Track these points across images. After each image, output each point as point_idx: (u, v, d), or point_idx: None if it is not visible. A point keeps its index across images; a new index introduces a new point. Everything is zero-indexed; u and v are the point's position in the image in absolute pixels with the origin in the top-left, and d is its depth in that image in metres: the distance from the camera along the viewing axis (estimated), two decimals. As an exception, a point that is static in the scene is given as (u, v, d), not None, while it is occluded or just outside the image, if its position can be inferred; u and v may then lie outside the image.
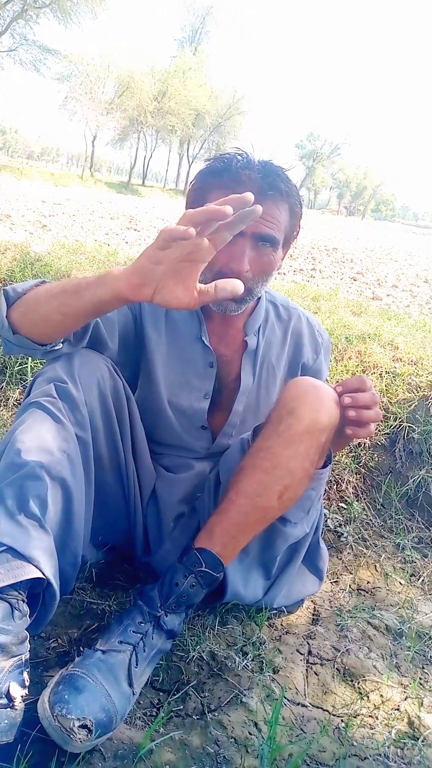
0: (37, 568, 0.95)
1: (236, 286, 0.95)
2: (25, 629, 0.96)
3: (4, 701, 0.89)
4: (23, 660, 0.94)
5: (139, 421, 1.34)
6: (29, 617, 0.97)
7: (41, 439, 1.06)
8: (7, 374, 2.41)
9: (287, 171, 1.22)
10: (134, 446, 1.33)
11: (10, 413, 2.26)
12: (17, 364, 2.40)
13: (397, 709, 1.21)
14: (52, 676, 1.12)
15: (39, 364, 2.33)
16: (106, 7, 26.53)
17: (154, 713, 1.10)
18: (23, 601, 0.96)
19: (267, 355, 1.42)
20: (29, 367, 2.39)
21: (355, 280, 8.26)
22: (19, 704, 0.90)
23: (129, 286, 0.95)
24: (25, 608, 0.96)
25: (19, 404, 1.39)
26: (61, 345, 1.15)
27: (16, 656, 0.93)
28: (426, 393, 2.24)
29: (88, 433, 1.16)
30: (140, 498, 1.36)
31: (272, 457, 1.13)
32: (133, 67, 39.61)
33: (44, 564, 0.96)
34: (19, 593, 0.95)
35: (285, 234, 1.23)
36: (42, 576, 0.96)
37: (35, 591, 1.00)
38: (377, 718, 1.18)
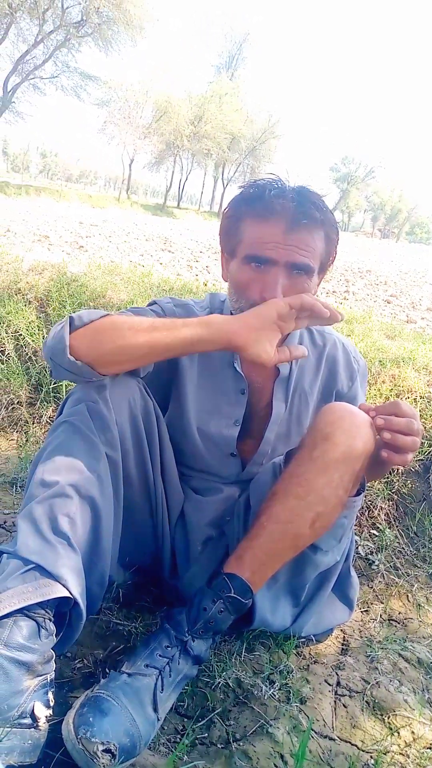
0: (64, 587, 0.95)
1: (305, 351, 1.14)
2: (51, 648, 0.96)
3: (28, 721, 0.88)
4: (48, 680, 0.94)
5: (168, 443, 1.34)
6: (55, 636, 0.97)
7: (71, 458, 1.07)
8: (42, 392, 2.44)
9: (323, 197, 1.20)
10: (163, 467, 1.33)
11: (43, 430, 2.29)
12: (52, 382, 2.44)
13: (430, 748, 1.17)
14: (77, 697, 1.12)
15: (72, 384, 2.36)
16: (145, 35, 27.21)
17: (177, 739, 1.08)
18: (50, 620, 0.96)
19: (300, 382, 1.39)
20: (63, 385, 2.42)
21: (388, 302, 8.19)
22: (43, 725, 0.90)
23: (243, 329, 1.08)
24: (52, 627, 0.96)
25: (53, 422, 1.40)
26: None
27: (41, 675, 0.93)
28: (461, 419, 2.19)
29: (118, 452, 1.17)
30: (168, 519, 1.36)
31: (305, 484, 1.12)
32: (170, 93, 40.37)
33: (72, 583, 0.96)
34: (46, 612, 0.95)
35: (321, 261, 1.21)
36: (69, 595, 0.96)
37: (62, 610, 1.00)
38: (408, 756, 1.14)
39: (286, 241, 1.13)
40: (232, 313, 1.28)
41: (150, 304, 1.36)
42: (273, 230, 1.13)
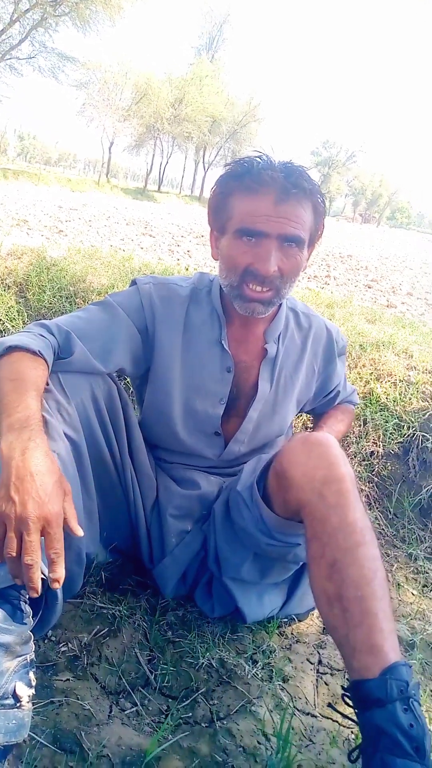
0: None
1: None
2: (30, 630, 0.96)
3: (11, 701, 0.89)
4: (29, 660, 0.94)
5: (136, 426, 1.34)
6: (33, 618, 0.97)
7: None
8: None
9: (308, 170, 1.20)
10: (131, 450, 1.33)
11: None
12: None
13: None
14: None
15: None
16: (125, 15, 26.74)
17: (162, 720, 1.09)
18: (25, 601, 0.96)
19: (285, 363, 1.40)
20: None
21: (369, 287, 8.23)
22: (26, 704, 0.90)
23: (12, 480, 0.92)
24: (28, 609, 0.96)
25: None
26: None
27: (21, 656, 0.93)
28: (440, 402, 2.22)
29: (80, 432, 1.16)
30: (142, 504, 1.36)
31: (346, 538, 1.01)
32: (150, 75, 39.82)
33: (44, 564, 0.96)
34: (21, 594, 0.95)
35: (310, 233, 1.21)
36: (42, 576, 0.95)
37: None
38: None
39: (277, 213, 1.13)
40: (221, 291, 1.32)
41: (131, 284, 1.36)
42: (263, 202, 1.13)
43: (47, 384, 1.13)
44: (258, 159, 1.18)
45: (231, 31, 53.06)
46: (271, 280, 1.18)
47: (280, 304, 1.38)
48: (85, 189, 30.33)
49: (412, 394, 2.25)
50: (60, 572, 0.90)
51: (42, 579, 0.95)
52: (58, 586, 0.90)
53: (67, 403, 1.14)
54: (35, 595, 0.89)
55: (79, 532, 0.97)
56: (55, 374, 1.16)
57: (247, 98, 47.49)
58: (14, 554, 0.87)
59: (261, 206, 1.14)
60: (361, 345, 2.59)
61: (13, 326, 2.59)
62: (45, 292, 2.80)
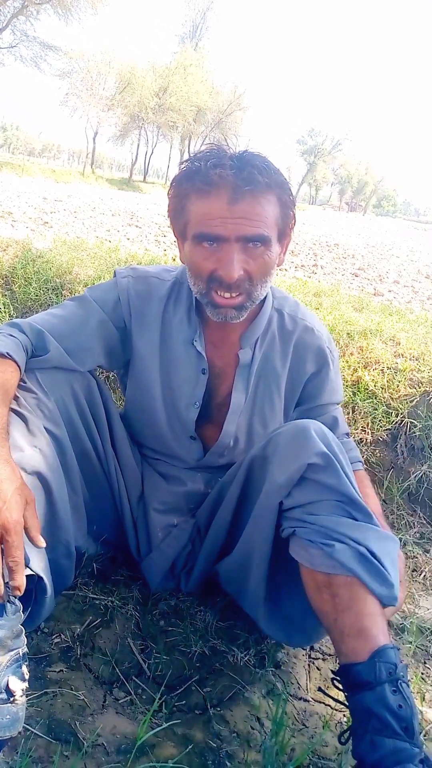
0: (25, 565, 0.94)
1: None
2: (21, 624, 0.96)
3: (4, 696, 0.89)
4: (21, 654, 0.94)
5: (117, 420, 1.33)
6: (24, 612, 0.97)
7: (10, 438, 1.02)
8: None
9: (267, 158, 1.10)
10: (114, 443, 1.32)
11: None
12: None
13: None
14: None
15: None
16: (107, 3, 26.43)
17: (156, 708, 1.10)
18: (14, 595, 0.96)
19: (263, 371, 1.31)
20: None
21: (356, 276, 8.25)
22: (20, 698, 0.90)
23: None
24: (18, 603, 0.96)
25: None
26: None
27: (13, 650, 0.93)
28: (427, 389, 2.23)
29: (62, 427, 1.15)
30: (128, 497, 1.36)
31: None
32: (134, 63, 39.50)
33: (32, 560, 0.95)
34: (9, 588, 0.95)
35: (277, 227, 1.13)
36: (31, 572, 0.95)
37: (28, 587, 1.00)
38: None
39: (232, 214, 1.05)
40: (195, 299, 1.25)
41: (115, 275, 1.33)
42: (216, 204, 1.06)
43: (24, 382, 1.12)
44: (210, 154, 1.09)
45: (215, 18, 52.70)
46: (238, 285, 1.11)
47: (263, 303, 1.29)
48: (70, 180, 30.09)
49: (399, 381, 2.26)
50: (19, 581, 0.88)
51: (30, 576, 0.95)
52: (19, 593, 0.89)
53: (46, 399, 1.12)
54: None
55: (41, 543, 0.95)
56: (32, 372, 1.14)
57: (231, 87, 47.29)
58: None
59: (214, 208, 1.06)
60: (348, 333, 2.60)
61: (-1, 319, 2.57)
62: (31, 285, 2.79)
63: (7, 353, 1.08)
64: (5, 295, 2.75)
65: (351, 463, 1.23)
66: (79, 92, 37.20)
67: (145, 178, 47.51)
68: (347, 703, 0.96)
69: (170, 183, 1.16)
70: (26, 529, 0.93)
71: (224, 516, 1.27)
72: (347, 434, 1.43)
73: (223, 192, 1.05)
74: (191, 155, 1.14)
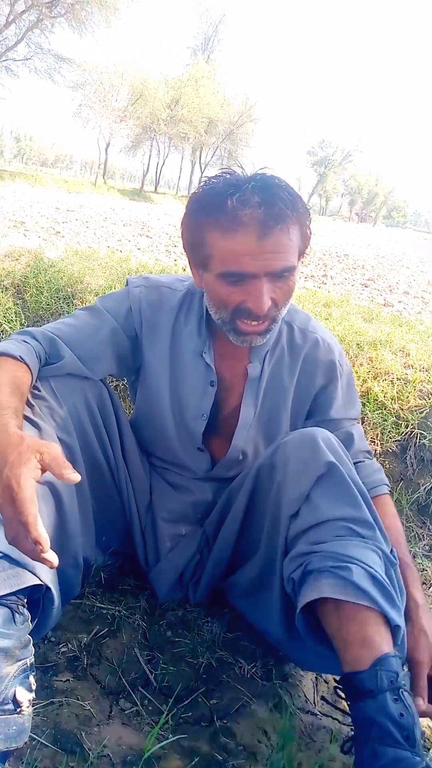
0: (33, 574, 0.94)
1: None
2: (29, 633, 0.96)
3: (10, 706, 0.88)
4: (28, 664, 0.94)
5: (128, 429, 1.33)
6: (31, 621, 0.97)
7: None
8: None
9: (287, 183, 1.08)
10: (124, 452, 1.32)
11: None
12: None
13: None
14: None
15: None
16: (120, 16, 26.74)
17: (163, 720, 1.10)
18: (23, 605, 0.96)
19: (271, 385, 1.30)
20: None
21: (366, 286, 8.23)
22: (26, 709, 0.90)
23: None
24: (26, 613, 0.96)
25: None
26: None
27: (20, 660, 0.93)
28: (438, 400, 2.22)
29: (74, 436, 1.15)
30: (136, 506, 1.35)
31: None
32: (146, 75, 39.86)
33: (40, 570, 0.95)
34: (19, 598, 0.95)
35: (299, 251, 1.11)
36: (40, 582, 0.95)
37: (35, 597, 1.00)
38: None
39: (261, 250, 1.02)
40: (206, 310, 1.23)
41: (126, 284, 1.33)
42: (244, 241, 1.02)
43: (38, 390, 1.12)
44: (230, 186, 1.03)
45: (227, 31, 53.11)
46: (266, 314, 1.10)
47: None
48: (82, 190, 30.33)
49: (409, 392, 2.25)
50: (35, 533, 0.83)
51: (38, 586, 0.95)
52: (45, 550, 0.84)
53: (59, 407, 1.13)
54: (51, 566, 0.85)
55: (75, 477, 0.88)
56: (46, 380, 1.15)
57: (243, 98, 47.56)
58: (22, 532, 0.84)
59: (243, 246, 1.03)
60: (358, 344, 2.60)
61: (11, 327, 2.59)
62: (42, 294, 2.81)
63: (20, 356, 1.09)
64: (17, 303, 2.77)
65: (374, 487, 1.28)
66: (92, 104, 37.58)
67: (156, 188, 47.84)
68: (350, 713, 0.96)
69: (186, 211, 1.12)
70: (54, 473, 0.88)
71: (232, 525, 1.27)
72: (369, 453, 1.37)
73: (252, 230, 1.02)
74: (206, 181, 1.10)
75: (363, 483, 1.10)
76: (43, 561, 0.85)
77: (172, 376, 1.29)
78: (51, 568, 0.87)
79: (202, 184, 1.10)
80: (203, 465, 1.36)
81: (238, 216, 1.01)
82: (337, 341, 1.38)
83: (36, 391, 1.12)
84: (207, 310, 1.23)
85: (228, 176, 1.08)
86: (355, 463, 1.21)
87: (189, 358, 1.28)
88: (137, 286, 1.30)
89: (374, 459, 1.37)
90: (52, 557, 0.85)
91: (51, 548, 0.94)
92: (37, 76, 28.65)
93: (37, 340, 1.17)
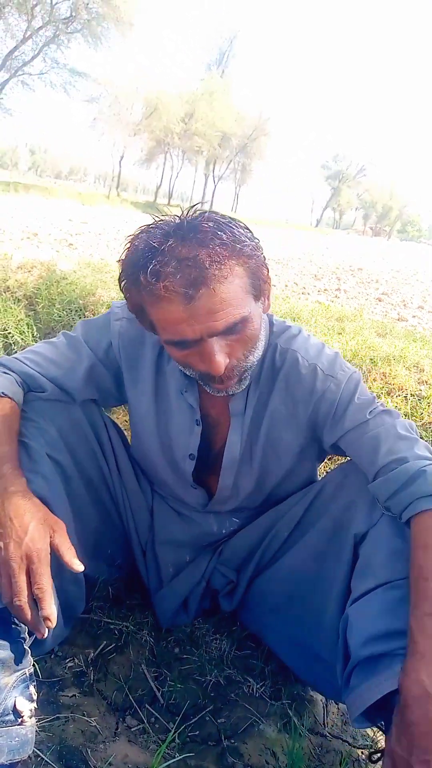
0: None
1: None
2: (28, 646, 0.95)
3: (11, 717, 0.87)
4: (27, 674, 0.93)
5: (120, 446, 1.30)
6: (29, 635, 0.96)
7: None
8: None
9: (219, 222, 0.93)
10: (119, 468, 1.30)
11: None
12: None
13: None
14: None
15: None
16: (135, 31, 27.12)
17: (170, 739, 1.08)
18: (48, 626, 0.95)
19: (260, 414, 1.19)
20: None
21: (380, 300, 8.21)
22: (28, 719, 0.89)
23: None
24: (24, 626, 0.95)
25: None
26: None
27: (19, 671, 0.92)
28: (451, 416, 2.20)
29: (65, 453, 1.13)
30: (134, 522, 1.34)
31: None
32: (160, 90, 40.31)
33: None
34: None
35: (252, 294, 0.99)
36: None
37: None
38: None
39: (193, 315, 0.92)
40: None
41: (110, 311, 1.25)
42: (172, 310, 0.93)
43: (25, 411, 1.11)
44: (145, 258, 0.92)
45: (241, 46, 53.60)
46: (229, 371, 1.01)
47: None
48: (96, 202, 30.60)
49: (423, 409, 2.23)
50: (48, 610, 0.88)
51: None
52: (51, 625, 0.88)
53: (48, 426, 1.12)
54: (41, 636, 0.89)
55: (78, 566, 0.95)
56: (31, 402, 1.13)
57: (256, 113, 47.91)
58: (8, 599, 0.88)
59: (173, 314, 0.93)
60: (371, 359, 2.58)
61: (22, 339, 2.60)
62: (54, 306, 2.82)
63: (2, 393, 1.07)
64: (29, 315, 2.79)
65: (412, 501, 0.97)
66: (106, 117, 38.03)
67: (169, 201, 48.09)
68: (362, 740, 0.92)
69: (119, 279, 1.02)
70: (59, 556, 0.93)
71: (284, 532, 1.25)
72: (402, 458, 1.04)
73: (174, 299, 0.92)
74: (130, 241, 0.99)
75: (388, 505, 1.01)
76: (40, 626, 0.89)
77: (159, 414, 1.23)
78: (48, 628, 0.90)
79: (127, 245, 0.99)
80: (200, 500, 1.30)
81: (156, 290, 0.91)
82: (333, 355, 1.20)
83: (23, 413, 1.11)
84: None
85: (152, 231, 0.96)
86: (375, 479, 1.06)
87: (173, 396, 1.21)
88: (118, 318, 1.22)
89: (412, 459, 1.03)
90: (53, 622, 0.89)
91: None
92: (53, 90, 29.08)
93: (14, 373, 1.14)
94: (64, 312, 2.80)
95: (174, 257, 0.90)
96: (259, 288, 1.01)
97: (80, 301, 2.89)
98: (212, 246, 0.90)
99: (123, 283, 1.00)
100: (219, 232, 0.91)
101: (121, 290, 1.01)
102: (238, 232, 0.95)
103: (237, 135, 45.81)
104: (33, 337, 2.67)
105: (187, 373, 1.07)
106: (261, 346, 1.07)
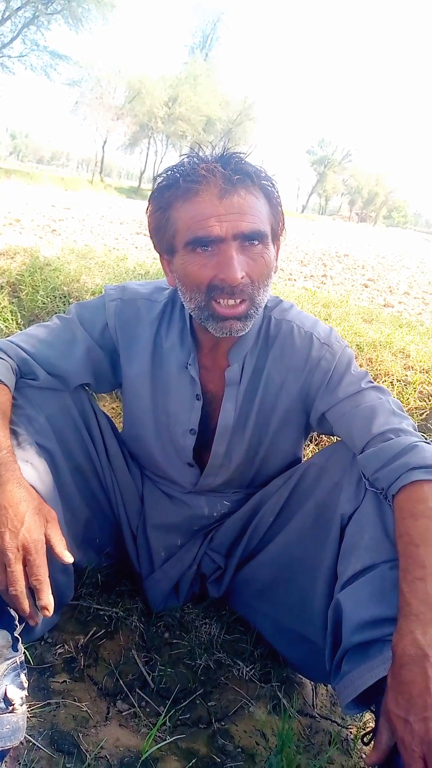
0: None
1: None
2: (18, 634, 0.95)
3: (2, 705, 0.88)
4: (18, 662, 0.93)
5: (110, 434, 1.30)
6: (19, 622, 0.96)
7: None
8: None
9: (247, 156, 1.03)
10: (108, 455, 1.30)
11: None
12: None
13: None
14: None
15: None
16: (117, 13, 26.69)
17: (161, 722, 1.09)
18: (10, 606, 0.95)
19: (255, 384, 1.20)
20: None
21: (366, 286, 8.22)
22: (19, 707, 0.89)
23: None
24: (13, 613, 0.95)
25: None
26: None
27: (9, 659, 0.92)
28: (436, 401, 2.22)
29: (53, 441, 1.13)
30: (124, 509, 1.34)
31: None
32: (143, 73, 39.86)
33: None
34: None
35: (271, 225, 1.04)
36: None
37: None
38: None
39: (226, 209, 0.97)
40: (190, 320, 1.18)
41: (104, 293, 1.27)
42: (206, 201, 0.98)
43: (15, 399, 1.10)
44: (188, 158, 1.03)
45: (225, 29, 53.05)
46: (241, 289, 1.01)
47: None
48: (79, 188, 30.29)
49: (409, 394, 2.25)
50: (46, 600, 0.89)
51: None
52: (48, 614, 0.89)
53: (36, 414, 1.11)
54: (33, 624, 0.90)
55: (68, 558, 0.96)
56: (20, 390, 1.12)
57: (241, 97, 47.54)
58: (3, 587, 0.87)
59: (206, 207, 0.98)
60: (358, 345, 2.59)
61: (6, 327, 2.58)
62: (38, 293, 2.80)
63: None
64: (13, 302, 2.76)
65: (405, 471, 0.98)
66: (88, 101, 37.53)
67: (153, 186, 47.71)
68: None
69: (148, 201, 1.08)
70: (50, 547, 0.93)
71: (268, 517, 1.26)
72: (396, 430, 1.07)
73: (212, 186, 0.98)
74: (165, 168, 1.07)
75: (377, 476, 1.02)
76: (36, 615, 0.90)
77: (155, 392, 1.24)
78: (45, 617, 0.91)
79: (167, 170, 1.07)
80: (192, 479, 1.30)
81: (197, 172, 0.98)
82: (329, 328, 1.23)
83: (13, 400, 1.10)
84: (190, 320, 1.18)
85: (189, 153, 1.06)
86: (365, 449, 1.07)
87: (173, 372, 1.21)
88: (113, 299, 1.23)
89: (404, 433, 1.06)
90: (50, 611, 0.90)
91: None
92: (33, 73, 28.61)
93: (10, 358, 1.13)
94: (48, 299, 2.78)
95: (215, 157, 1.01)
96: (276, 230, 1.07)
97: (64, 288, 2.87)
98: (251, 171, 1.00)
99: (153, 195, 1.06)
100: (257, 169, 1.02)
101: (148, 210, 1.08)
102: (273, 181, 1.05)
103: (221, 120, 45.45)
104: (17, 324, 2.64)
105: (194, 304, 1.06)
106: (268, 293, 1.09)
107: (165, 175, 1.05)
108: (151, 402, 1.24)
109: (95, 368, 1.23)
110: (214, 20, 51.44)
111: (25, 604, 0.87)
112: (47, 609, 0.88)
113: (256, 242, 1.01)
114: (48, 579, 0.90)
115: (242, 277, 1.00)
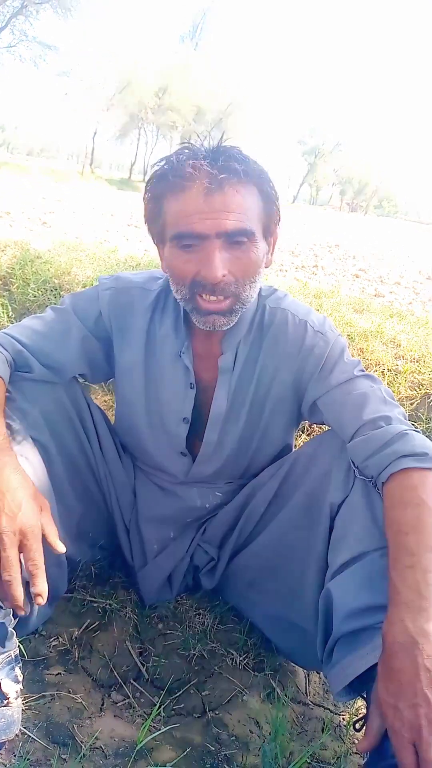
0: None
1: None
2: (12, 627, 0.95)
3: None
4: (13, 656, 0.93)
5: (103, 427, 1.30)
6: (13, 617, 0.96)
7: None
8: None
9: (241, 150, 1.03)
10: (102, 448, 1.30)
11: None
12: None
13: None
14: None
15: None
16: (107, 3, 26.41)
17: (156, 712, 1.10)
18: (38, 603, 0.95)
19: (248, 373, 1.20)
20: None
21: (357, 277, 8.21)
22: (14, 701, 0.90)
23: None
24: (5, 606, 0.95)
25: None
26: None
27: (3, 653, 0.92)
28: (428, 390, 2.23)
29: (47, 434, 1.13)
30: (117, 502, 1.34)
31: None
32: (133, 63, 39.52)
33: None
34: None
35: (262, 222, 1.04)
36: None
37: None
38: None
39: (209, 207, 0.97)
40: (178, 304, 1.18)
41: (98, 284, 1.27)
42: (191, 198, 0.98)
43: (9, 392, 1.10)
44: (182, 151, 1.03)
45: (215, 18, 52.66)
46: (223, 287, 1.02)
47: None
48: (69, 180, 30.06)
49: (400, 384, 2.26)
50: (41, 586, 0.89)
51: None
52: (41, 602, 0.89)
53: (30, 407, 1.11)
54: (22, 613, 0.89)
55: (60, 547, 0.96)
56: (15, 383, 1.12)
57: (231, 87, 47.22)
58: None
59: (190, 204, 0.98)
60: (349, 335, 2.60)
61: (-2, 320, 2.57)
62: (29, 286, 2.78)
63: None
64: (3, 296, 2.75)
65: (395, 459, 0.99)
66: (78, 92, 37.24)
67: (144, 177, 47.39)
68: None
69: (145, 186, 1.08)
70: (43, 536, 0.94)
71: (260, 506, 1.25)
72: (387, 417, 1.07)
73: (197, 184, 0.97)
74: (163, 157, 1.07)
75: (367, 463, 1.03)
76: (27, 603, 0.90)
77: (148, 380, 1.24)
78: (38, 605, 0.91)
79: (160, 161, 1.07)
80: (184, 468, 1.30)
81: (183, 168, 0.98)
82: (323, 317, 1.22)
83: (7, 393, 1.10)
84: (184, 309, 1.17)
85: (187, 145, 1.06)
86: (355, 437, 1.07)
87: (166, 361, 1.22)
88: (107, 288, 1.24)
89: (394, 422, 1.06)
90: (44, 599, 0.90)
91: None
92: (22, 64, 28.33)
93: (6, 350, 1.13)
94: (39, 292, 2.77)
95: (205, 152, 1.01)
96: (269, 225, 1.07)
97: (55, 281, 2.85)
98: (239, 155, 1.01)
99: (149, 182, 1.06)
100: (244, 153, 1.02)
101: (144, 199, 1.08)
102: (268, 175, 1.05)
103: (212, 110, 45.18)
104: (8, 318, 2.63)
105: (180, 296, 1.07)
106: (255, 289, 1.09)
107: (159, 164, 1.05)
108: (144, 390, 1.24)
109: (90, 358, 1.23)
110: (204, 9, 51.09)
111: (18, 591, 0.87)
112: (41, 596, 0.89)
113: (242, 240, 1.01)
114: (43, 565, 0.91)
115: (224, 276, 1.01)
